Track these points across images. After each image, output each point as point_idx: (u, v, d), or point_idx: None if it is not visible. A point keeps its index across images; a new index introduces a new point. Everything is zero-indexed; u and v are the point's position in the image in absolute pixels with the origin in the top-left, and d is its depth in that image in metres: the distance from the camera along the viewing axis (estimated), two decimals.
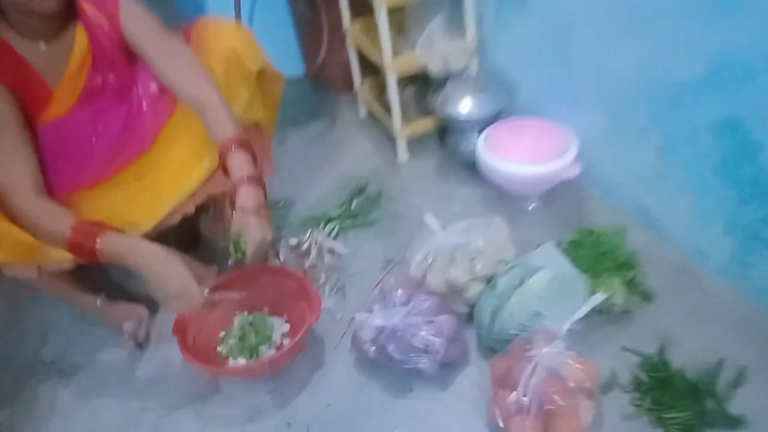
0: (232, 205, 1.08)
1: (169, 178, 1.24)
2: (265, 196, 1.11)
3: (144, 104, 1.24)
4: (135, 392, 1.18)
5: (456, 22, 1.73)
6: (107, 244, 0.99)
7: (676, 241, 1.31)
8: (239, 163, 1.10)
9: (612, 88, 1.32)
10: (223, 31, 1.30)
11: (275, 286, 1.25)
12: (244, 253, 1.06)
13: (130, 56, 1.18)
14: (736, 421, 0.96)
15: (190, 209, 1.27)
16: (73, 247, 0.99)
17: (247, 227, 1.06)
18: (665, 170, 1.27)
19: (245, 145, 1.12)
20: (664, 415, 0.98)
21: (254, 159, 1.12)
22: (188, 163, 1.26)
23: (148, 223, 1.18)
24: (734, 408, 0.98)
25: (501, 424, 0.96)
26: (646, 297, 1.20)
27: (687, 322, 1.15)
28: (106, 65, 1.15)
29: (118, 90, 1.20)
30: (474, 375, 1.11)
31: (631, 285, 1.20)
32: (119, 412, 1.15)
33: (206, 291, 1.03)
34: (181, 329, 1.14)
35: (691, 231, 1.26)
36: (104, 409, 1.16)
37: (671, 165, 1.25)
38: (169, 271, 1.00)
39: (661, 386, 1.02)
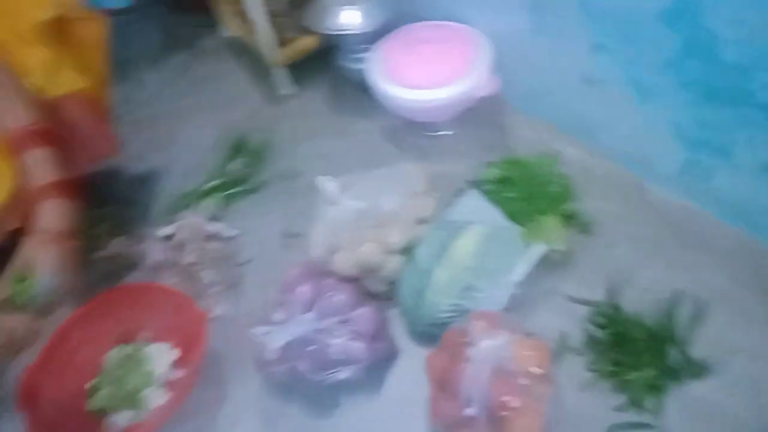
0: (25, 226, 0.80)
1: None
2: (75, 192, 0.83)
3: None
4: None
5: None
6: None
7: (616, 153, 1.13)
8: (35, 167, 0.80)
9: None
10: None
11: (147, 306, 0.99)
12: (29, 298, 0.80)
13: None
14: (702, 369, 0.85)
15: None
16: None
17: (42, 260, 0.79)
18: (600, 71, 1.05)
19: (44, 136, 0.81)
20: (626, 378, 0.85)
21: (66, 153, 0.81)
22: None
23: None
24: (697, 350, 0.87)
25: None
26: (587, 230, 1.04)
27: (636, 252, 1.00)
28: None
29: None
30: (408, 369, 0.93)
31: (568, 219, 1.03)
32: None
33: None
34: (29, 395, 0.87)
35: (633, 141, 1.08)
36: None
37: (608, 64, 1.03)
38: None
39: (618, 342, 0.89)
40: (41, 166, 0.82)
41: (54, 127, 0.88)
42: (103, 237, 0.97)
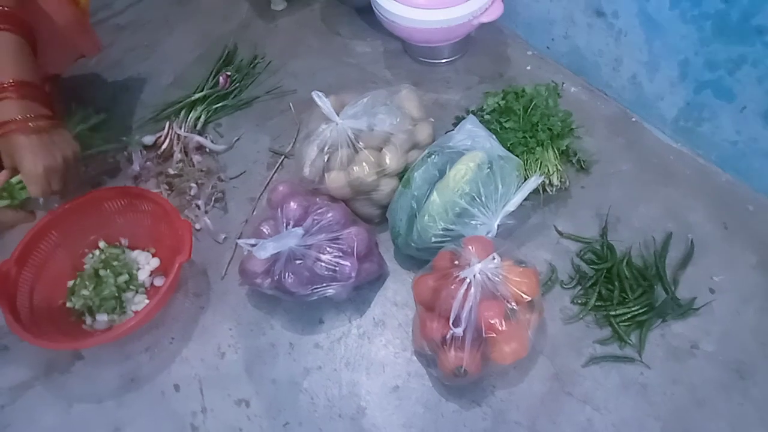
0: None
1: None
2: (50, 105, 0.78)
3: None
4: None
5: None
6: None
7: (616, 91, 1.11)
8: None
9: None
10: None
11: (130, 211, 0.96)
12: (21, 198, 0.76)
13: None
14: (686, 308, 0.86)
15: None
16: None
17: (16, 151, 0.75)
18: (611, 3, 1.01)
19: (13, 20, 0.76)
20: (611, 313, 0.86)
21: (44, 48, 0.75)
22: None
23: None
24: (684, 290, 0.88)
25: (432, 355, 0.81)
26: (584, 167, 1.03)
27: (630, 192, 1.00)
28: None
29: None
30: (394, 292, 0.93)
31: (566, 155, 1.02)
32: None
33: None
34: (7, 289, 0.85)
35: (635, 78, 1.06)
36: None
37: None
38: None
39: (606, 279, 0.89)
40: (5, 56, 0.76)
41: (26, 15, 0.81)
42: (83, 140, 0.91)
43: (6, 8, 0.80)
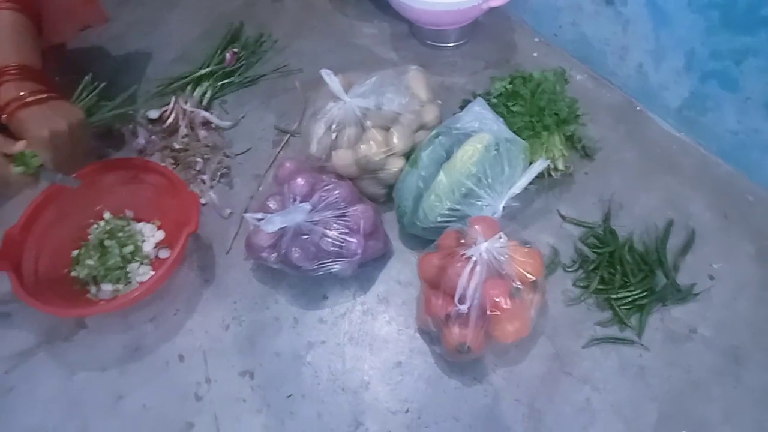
0: None
1: None
2: (51, 82, 0.79)
3: None
4: None
5: None
6: None
7: (621, 80, 1.12)
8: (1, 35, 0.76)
9: None
10: None
11: (135, 183, 0.96)
12: (35, 166, 0.76)
13: None
14: (686, 294, 0.88)
15: None
16: None
17: (22, 125, 0.76)
18: None
19: None
20: (612, 296, 0.87)
21: (49, 17, 0.75)
22: None
23: None
24: (684, 276, 0.90)
25: (436, 332, 0.82)
26: (589, 153, 1.04)
27: (633, 181, 1.01)
28: None
29: None
30: (398, 270, 0.94)
31: (571, 141, 1.03)
32: None
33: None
34: (12, 255, 0.85)
35: (641, 68, 1.07)
36: None
37: None
38: None
39: (608, 263, 0.90)
40: (5, 38, 0.76)
41: None
42: (88, 110, 0.91)
43: None
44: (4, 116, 0.78)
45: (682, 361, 0.83)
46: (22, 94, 0.79)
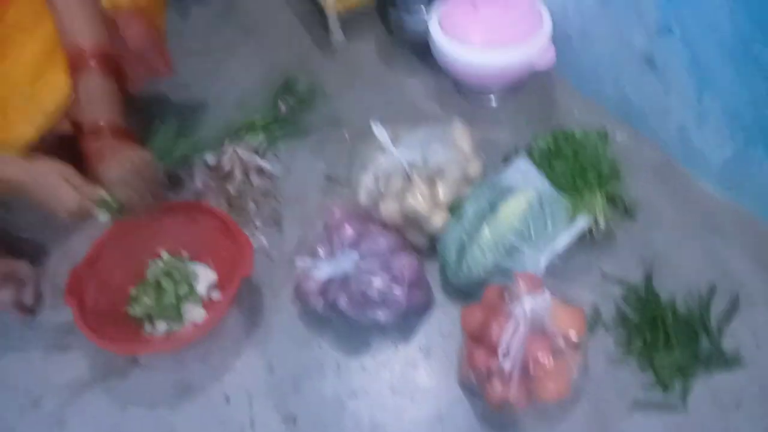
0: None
1: (19, 93, 0.91)
2: (132, 138, 0.86)
3: None
4: (29, 371, 0.95)
5: None
6: None
7: (663, 140, 1.14)
8: (92, 96, 0.84)
9: None
10: None
11: (191, 225, 1.01)
12: (118, 207, 0.83)
13: None
14: (732, 360, 0.87)
15: (65, 126, 0.98)
16: None
17: (104, 172, 0.83)
18: (660, 53, 1.05)
19: (105, 61, 0.82)
20: (655, 359, 0.87)
21: (120, 82, 0.82)
22: (45, 68, 0.92)
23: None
24: (729, 342, 0.89)
25: (477, 386, 0.83)
26: (630, 213, 1.05)
27: (675, 241, 1.01)
28: None
29: None
30: (440, 322, 0.96)
31: (612, 199, 1.04)
32: (8, 400, 0.93)
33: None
34: (77, 289, 0.90)
35: (683, 129, 1.08)
36: None
37: (668, 47, 1.02)
38: (39, 163, 0.81)
39: (650, 324, 0.91)
40: (96, 97, 0.83)
41: (114, 47, 0.87)
42: (158, 155, 0.97)
43: (99, 46, 0.86)
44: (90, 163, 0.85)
45: (727, 430, 0.82)
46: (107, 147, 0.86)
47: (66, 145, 1.02)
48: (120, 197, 0.83)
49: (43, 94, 0.91)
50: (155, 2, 1.10)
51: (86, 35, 0.83)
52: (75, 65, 0.83)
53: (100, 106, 0.84)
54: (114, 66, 0.86)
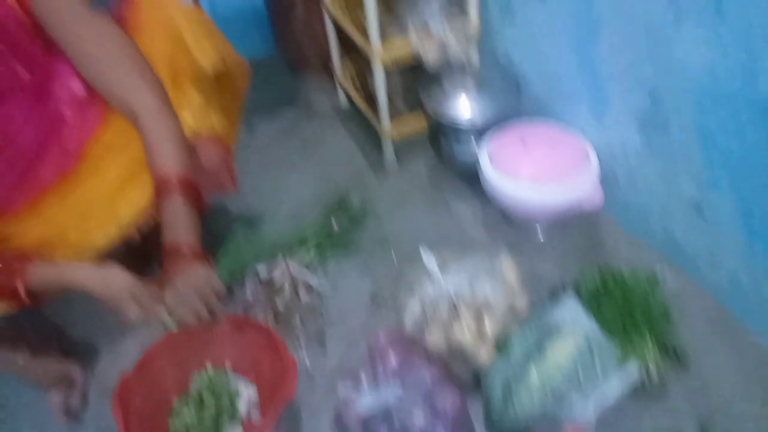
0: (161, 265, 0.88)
1: (101, 206, 0.98)
2: (205, 258, 0.92)
3: (65, 110, 0.96)
4: None
5: (455, 2, 1.47)
6: (32, 276, 0.85)
7: (713, 286, 1.13)
8: (175, 219, 0.89)
9: (651, 93, 1.08)
10: (167, 15, 1.03)
11: (238, 337, 1.02)
12: (171, 328, 0.89)
13: (47, 44, 0.90)
14: None
15: (134, 236, 1.04)
16: None
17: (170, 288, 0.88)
18: (708, 201, 1.07)
19: (188, 188, 0.89)
20: None
21: (199, 207, 0.89)
22: (126, 185, 1.00)
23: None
24: None
25: None
26: (682, 360, 1.02)
27: (729, 395, 0.97)
28: (11, 53, 0.87)
29: (30, 89, 0.91)
30: None
31: (663, 346, 1.02)
32: None
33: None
34: (125, 399, 0.91)
35: (736, 278, 1.07)
36: None
37: (717, 195, 1.04)
38: (110, 274, 0.87)
39: None
40: (179, 223, 0.89)
41: (192, 180, 0.94)
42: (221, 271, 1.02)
43: (184, 173, 0.92)
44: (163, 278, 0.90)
45: None
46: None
47: (132, 251, 1.08)
48: (179, 319, 0.87)
49: (122, 207, 0.99)
50: (231, 128, 1.19)
51: (173, 162, 0.90)
52: (161, 189, 0.89)
53: (181, 230, 0.89)
54: (195, 192, 0.93)
